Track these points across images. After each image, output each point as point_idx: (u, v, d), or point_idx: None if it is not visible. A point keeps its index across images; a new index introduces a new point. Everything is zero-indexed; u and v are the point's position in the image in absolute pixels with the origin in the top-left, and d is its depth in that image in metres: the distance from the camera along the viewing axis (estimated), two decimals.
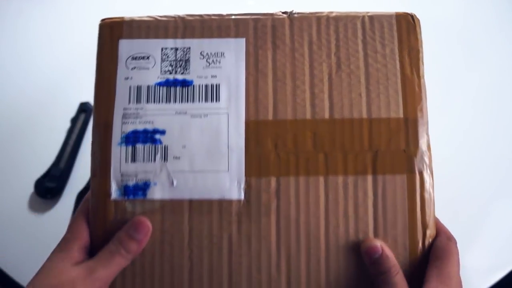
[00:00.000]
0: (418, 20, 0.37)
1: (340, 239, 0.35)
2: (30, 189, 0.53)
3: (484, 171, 0.53)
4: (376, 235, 0.35)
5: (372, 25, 0.37)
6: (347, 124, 0.36)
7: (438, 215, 0.37)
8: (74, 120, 0.55)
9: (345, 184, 0.35)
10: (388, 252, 0.34)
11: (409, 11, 0.38)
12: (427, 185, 0.35)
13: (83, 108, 0.56)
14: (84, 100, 0.57)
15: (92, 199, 0.36)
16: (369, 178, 0.35)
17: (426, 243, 0.35)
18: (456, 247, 0.35)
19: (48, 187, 0.52)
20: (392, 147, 0.35)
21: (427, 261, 0.34)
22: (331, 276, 0.35)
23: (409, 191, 0.35)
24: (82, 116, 0.55)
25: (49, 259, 0.34)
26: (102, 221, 0.35)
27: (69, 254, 0.34)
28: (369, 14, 0.37)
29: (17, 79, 0.61)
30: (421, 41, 0.37)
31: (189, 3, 0.49)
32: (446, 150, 0.52)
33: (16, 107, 0.58)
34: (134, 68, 0.37)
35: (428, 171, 0.35)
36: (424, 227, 0.35)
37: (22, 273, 0.51)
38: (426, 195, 0.35)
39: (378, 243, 0.34)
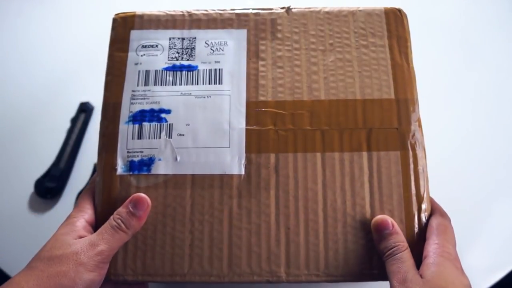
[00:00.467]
0: (405, 14, 0.40)
1: (337, 212, 0.36)
2: (30, 189, 0.54)
3: (484, 171, 0.53)
4: (372, 208, 0.36)
5: (363, 18, 0.40)
6: (342, 104, 0.38)
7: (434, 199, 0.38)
8: (74, 120, 0.56)
9: (341, 160, 0.37)
10: (398, 228, 0.34)
11: (405, 8, 0.41)
12: (420, 160, 0.36)
13: (83, 108, 0.57)
14: (84, 100, 0.58)
15: (98, 175, 0.37)
16: (364, 154, 0.37)
17: (422, 217, 0.36)
18: (451, 223, 0.35)
19: (48, 187, 0.52)
20: (385, 125, 0.37)
21: (424, 235, 0.35)
22: (329, 249, 0.35)
23: (403, 166, 0.36)
24: (82, 116, 0.56)
25: (55, 233, 0.34)
26: (107, 196, 0.36)
27: (73, 229, 0.34)
28: (360, 8, 0.41)
29: (17, 79, 0.62)
30: (409, 31, 0.40)
31: (192, 2, 0.52)
32: (446, 150, 0.53)
33: (16, 107, 0.59)
34: (144, 55, 0.40)
35: (421, 147, 0.37)
36: (419, 201, 0.36)
37: None
38: (420, 170, 0.36)
39: (389, 219, 0.35)
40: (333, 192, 0.36)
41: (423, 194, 0.36)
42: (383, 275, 0.34)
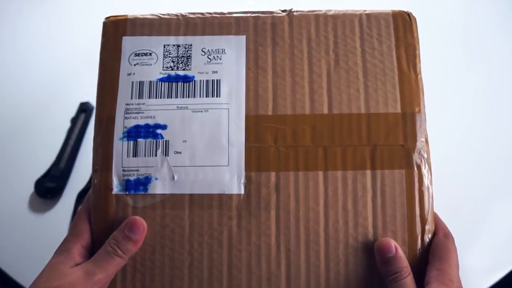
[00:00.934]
0: (415, 18, 0.38)
1: (339, 233, 0.35)
2: (30, 189, 0.53)
3: (484, 171, 0.53)
4: (375, 229, 0.35)
5: (369, 22, 0.38)
6: (345, 119, 0.36)
7: (438, 215, 0.37)
8: (74, 120, 0.55)
9: (344, 179, 0.35)
10: (401, 252, 0.34)
11: (407, 10, 0.38)
12: (426, 179, 0.35)
13: (83, 108, 0.56)
14: (84, 100, 0.57)
15: (93, 194, 0.36)
16: (368, 173, 0.35)
17: (425, 238, 0.35)
18: (454, 244, 0.35)
19: (48, 187, 0.52)
20: (390, 141, 0.36)
21: (427, 257, 0.34)
22: (330, 270, 0.35)
23: (407, 186, 0.35)
24: (82, 116, 0.55)
25: (50, 261, 0.34)
26: (104, 216, 0.36)
27: (69, 256, 0.34)
28: (366, 12, 0.38)
29: (17, 79, 0.61)
30: (418, 38, 0.37)
31: (189, 3, 0.50)
32: (446, 150, 0.52)
33: (16, 107, 0.59)
34: (137, 64, 0.37)
35: (426, 165, 0.35)
36: (423, 222, 0.35)
37: (22, 273, 0.51)
38: (425, 190, 0.35)
39: (393, 243, 0.34)
40: (335, 212, 0.35)
41: (427, 214, 0.35)
42: None
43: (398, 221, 0.35)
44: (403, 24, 0.37)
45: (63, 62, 0.62)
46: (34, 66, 0.62)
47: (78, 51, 0.62)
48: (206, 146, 0.36)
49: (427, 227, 0.35)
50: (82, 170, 0.55)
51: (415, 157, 0.35)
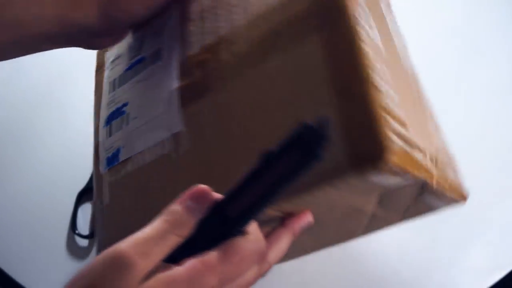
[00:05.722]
0: None
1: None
2: (29, 188, 0.55)
3: (485, 170, 0.51)
4: None
5: None
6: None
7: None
8: None
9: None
10: None
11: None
12: None
13: None
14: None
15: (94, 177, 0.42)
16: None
17: None
18: None
19: None
20: None
21: None
22: None
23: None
24: None
25: None
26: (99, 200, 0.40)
27: None
28: None
29: (16, 79, 0.64)
30: None
31: None
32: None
33: (13, 107, 0.61)
34: (112, 68, 0.44)
35: None
36: None
37: (22, 273, 0.51)
38: None
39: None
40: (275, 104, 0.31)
41: None
42: None
43: None
44: None
45: (61, 62, 0.62)
46: (32, 65, 0.63)
47: (77, 51, 0.64)
48: (152, 104, 0.38)
49: None
50: (82, 170, 0.55)
51: None
